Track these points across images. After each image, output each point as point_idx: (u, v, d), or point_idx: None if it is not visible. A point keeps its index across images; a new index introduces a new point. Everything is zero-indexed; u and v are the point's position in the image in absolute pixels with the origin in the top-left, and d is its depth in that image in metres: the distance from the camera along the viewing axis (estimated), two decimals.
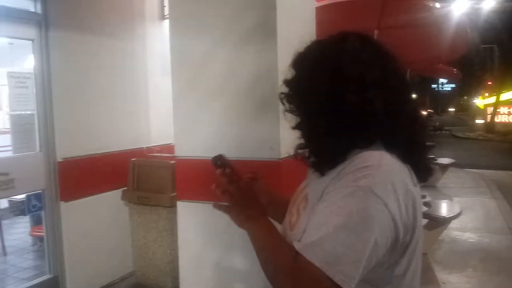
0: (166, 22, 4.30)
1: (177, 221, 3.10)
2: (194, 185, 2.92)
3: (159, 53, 4.25)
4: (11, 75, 3.28)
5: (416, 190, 1.00)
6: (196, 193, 2.90)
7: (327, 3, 4.66)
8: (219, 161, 1.22)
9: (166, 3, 4.32)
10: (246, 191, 1.19)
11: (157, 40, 4.27)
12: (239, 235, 2.64)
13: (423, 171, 1.06)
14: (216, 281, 2.80)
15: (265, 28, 2.56)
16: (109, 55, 3.80)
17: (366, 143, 1.00)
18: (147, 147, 4.09)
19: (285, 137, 2.53)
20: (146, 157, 3.91)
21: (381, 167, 0.95)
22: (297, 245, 0.94)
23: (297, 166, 1.24)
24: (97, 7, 3.69)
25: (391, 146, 1.00)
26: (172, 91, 3.00)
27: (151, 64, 4.21)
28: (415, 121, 1.06)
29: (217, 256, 2.82)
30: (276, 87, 2.53)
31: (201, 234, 2.91)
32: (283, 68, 2.51)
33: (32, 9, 3.33)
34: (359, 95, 0.98)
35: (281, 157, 2.55)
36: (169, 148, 4.13)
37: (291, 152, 2.51)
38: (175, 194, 3.14)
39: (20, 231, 5.49)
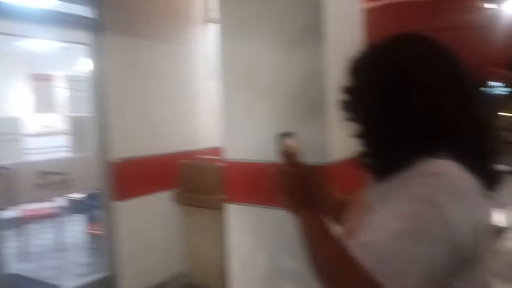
0: (210, 26, 4.37)
1: (226, 223, 3.14)
2: (243, 188, 2.94)
3: (203, 56, 4.33)
4: (69, 79, 3.44)
5: (482, 201, 0.95)
6: (245, 196, 2.93)
7: (376, 5, 4.59)
8: (288, 138, 1.19)
9: (210, 7, 4.39)
10: (302, 176, 1.15)
11: (201, 44, 4.34)
12: (289, 238, 2.66)
13: (491, 180, 1.01)
14: (266, 284, 2.81)
15: (313, 31, 2.55)
16: (159, 59, 3.90)
17: (431, 150, 0.96)
18: (196, 149, 4.16)
19: (335, 141, 2.51)
20: (195, 159, 3.98)
21: (445, 176, 0.92)
22: (351, 243, 0.92)
23: (348, 170, 1.22)
24: (147, 12, 3.80)
25: (457, 154, 0.96)
26: (221, 94, 3.03)
27: (197, 67, 4.28)
28: (483, 127, 1.01)
29: (267, 259, 2.82)
30: (325, 90, 2.53)
31: (251, 237, 2.92)
32: (331, 71, 2.49)
33: (88, 15, 3.45)
34: (424, 99, 0.95)
35: (331, 161, 2.53)
36: (216, 150, 4.18)
37: (342, 156, 2.49)
38: (224, 196, 3.18)
39: (76, 228, 5.73)
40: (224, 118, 3.09)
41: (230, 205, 3.03)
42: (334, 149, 2.51)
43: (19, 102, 3.87)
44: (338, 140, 2.53)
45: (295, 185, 1.13)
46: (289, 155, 1.17)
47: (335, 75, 2.52)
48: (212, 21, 4.32)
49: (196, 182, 3.73)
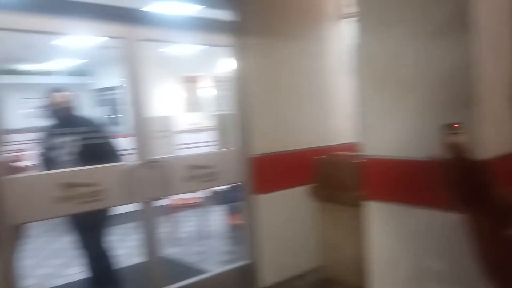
0: (343, 22, 4.33)
1: (364, 220, 3.09)
2: (383, 186, 2.87)
3: (337, 52, 4.30)
4: (214, 79, 3.67)
5: None
6: (385, 194, 2.85)
7: None
8: (455, 129, 1.11)
9: (343, 3, 4.34)
10: (472, 171, 1.07)
11: (335, 40, 4.31)
12: (434, 239, 2.54)
13: None
14: (410, 285, 2.72)
15: (460, 18, 2.38)
16: (296, 57, 3.96)
17: None
18: (331, 145, 4.16)
19: (487, 137, 2.32)
20: (331, 155, 3.98)
21: None
22: None
23: (504, 168, 1.11)
24: (284, 11, 3.87)
25: None
26: (358, 89, 2.99)
27: (331, 64, 4.26)
28: None
29: (410, 259, 2.73)
30: (474, 81, 2.35)
31: (392, 236, 2.84)
32: (481, 60, 2.31)
33: (231, 19, 3.64)
34: None
35: (483, 158, 2.34)
36: (351, 146, 4.13)
37: (495, 153, 2.29)
38: (361, 193, 3.13)
39: (217, 218, 6.12)
40: (362, 114, 3.04)
41: (369, 203, 2.99)
42: (485, 146, 2.33)
43: (171, 102, 4.31)
44: (490, 135, 2.34)
45: (464, 180, 1.06)
46: (456, 148, 1.09)
47: (486, 64, 2.34)
48: (345, 16, 4.29)
49: (332, 178, 3.74)
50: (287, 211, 3.89)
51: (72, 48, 7.77)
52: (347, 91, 4.30)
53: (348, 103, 4.31)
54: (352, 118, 4.27)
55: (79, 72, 11.12)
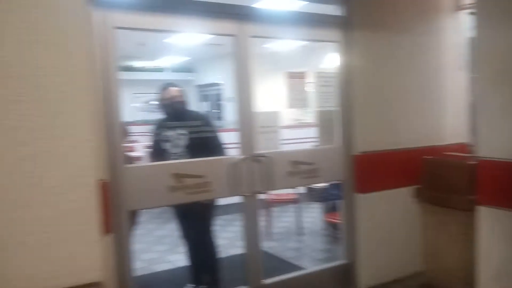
0: (460, 14, 4.07)
1: (475, 227, 2.91)
2: (498, 190, 2.68)
3: (452, 47, 4.06)
4: (318, 75, 3.66)
5: None
6: (499, 199, 2.67)
7: None
8: None
9: None
10: None
11: (450, 33, 4.06)
12: None
13: None
14: None
15: None
16: (405, 52, 3.81)
17: None
18: (440, 145, 3.95)
19: None
20: (440, 155, 3.79)
21: None
22: None
23: None
24: (395, 4, 3.74)
25: None
26: (473, 86, 2.82)
27: (445, 59, 4.03)
28: None
29: None
30: None
31: (506, 245, 2.65)
32: None
33: (337, 13, 3.59)
34: None
35: None
36: (462, 146, 3.90)
37: None
38: (472, 197, 2.95)
39: (313, 215, 6.12)
40: (477, 112, 2.87)
41: (482, 208, 2.81)
42: None
43: (274, 97, 4.36)
44: None
45: None
46: None
47: None
48: (462, 8, 4.03)
49: (441, 179, 3.55)
50: (389, 212, 3.77)
51: (179, 46, 8.21)
52: (460, 88, 4.06)
53: (460, 101, 4.07)
54: (465, 116, 4.03)
55: (183, 69, 11.77)
